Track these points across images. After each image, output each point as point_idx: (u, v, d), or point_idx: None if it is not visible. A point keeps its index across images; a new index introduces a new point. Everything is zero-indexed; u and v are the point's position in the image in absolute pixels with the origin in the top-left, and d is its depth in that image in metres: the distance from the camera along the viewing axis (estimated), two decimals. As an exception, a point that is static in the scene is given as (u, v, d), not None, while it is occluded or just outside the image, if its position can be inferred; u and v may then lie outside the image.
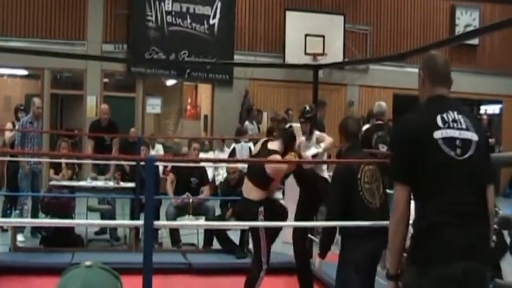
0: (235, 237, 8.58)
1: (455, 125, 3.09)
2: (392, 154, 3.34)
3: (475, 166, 3.06)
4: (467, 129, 3.10)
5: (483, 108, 19.49)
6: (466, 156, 3.04)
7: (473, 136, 3.09)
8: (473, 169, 3.06)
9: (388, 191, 5.02)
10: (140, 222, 4.54)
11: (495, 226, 5.42)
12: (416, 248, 3.05)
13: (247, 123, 14.64)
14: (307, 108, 6.78)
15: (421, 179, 3.04)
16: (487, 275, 3.10)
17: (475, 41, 17.49)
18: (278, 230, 6.49)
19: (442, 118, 3.10)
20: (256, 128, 14.73)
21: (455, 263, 2.93)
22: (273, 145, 6.27)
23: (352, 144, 5.29)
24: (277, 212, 6.32)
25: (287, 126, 6.62)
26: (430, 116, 3.13)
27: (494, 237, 5.57)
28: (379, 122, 9.16)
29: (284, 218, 6.43)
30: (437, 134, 3.05)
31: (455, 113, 3.14)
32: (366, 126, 10.29)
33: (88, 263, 2.02)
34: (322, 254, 5.19)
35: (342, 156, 5.68)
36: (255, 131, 14.39)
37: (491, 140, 9.35)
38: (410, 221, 3.16)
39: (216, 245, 8.66)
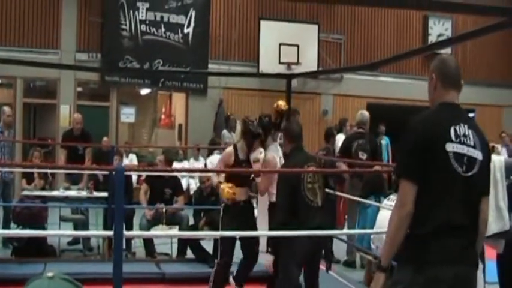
0: (208, 247, 8.56)
1: (465, 140, 3.16)
2: (403, 151, 3.29)
3: (475, 183, 3.17)
4: (474, 146, 3.18)
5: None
6: (470, 174, 3.14)
7: (478, 155, 3.19)
8: (474, 185, 3.17)
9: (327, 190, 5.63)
10: (110, 232, 4.51)
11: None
12: (412, 249, 3.12)
13: (225, 131, 14.63)
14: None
15: (427, 185, 3.10)
16: (475, 278, 3.20)
17: (447, 50, 17.63)
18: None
19: (455, 131, 3.15)
20: (234, 137, 14.68)
21: (448, 267, 3.05)
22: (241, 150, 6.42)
23: (295, 145, 5.68)
24: None
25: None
26: (444, 124, 3.17)
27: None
28: (360, 130, 9.19)
29: None
30: (449, 147, 3.12)
31: (466, 126, 3.20)
32: (339, 135, 10.36)
33: (50, 274, 2.01)
34: (274, 253, 5.55)
35: (287, 157, 5.97)
36: (232, 139, 14.38)
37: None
38: None
39: (189, 254, 8.63)
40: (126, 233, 4.59)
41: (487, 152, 3.32)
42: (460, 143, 3.14)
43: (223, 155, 6.60)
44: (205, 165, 12.73)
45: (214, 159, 12.06)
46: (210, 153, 12.84)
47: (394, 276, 3.18)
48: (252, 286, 7.17)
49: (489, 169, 3.42)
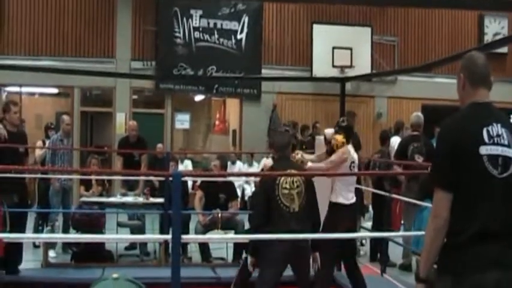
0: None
1: (499, 140, 3.07)
2: (435, 159, 3.24)
3: (510, 183, 3.07)
4: (509, 145, 3.09)
5: (513, 118, 19.27)
6: (505, 174, 3.05)
7: None
8: (510, 186, 3.07)
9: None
10: (168, 236, 4.56)
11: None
12: (451, 258, 3.05)
13: None
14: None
15: (462, 190, 3.03)
16: None
17: (504, 50, 17.30)
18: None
19: (488, 132, 3.07)
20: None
21: (487, 273, 2.95)
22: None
23: (280, 154, 5.98)
24: None
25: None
26: (475, 127, 3.09)
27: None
28: (416, 133, 9.09)
29: None
30: (483, 150, 3.03)
31: (499, 125, 3.11)
32: (395, 138, 10.25)
33: (115, 275, 2.06)
34: (253, 255, 5.86)
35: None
36: None
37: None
38: None
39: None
40: (183, 236, 4.63)
41: None
42: (493, 144, 3.05)
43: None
44: (262, 169, 12.76)
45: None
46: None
47: (435, 285, 3.11)
48: None
49: None
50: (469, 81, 3.23)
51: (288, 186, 5.62)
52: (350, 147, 6.74)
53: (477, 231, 2.99)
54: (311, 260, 5.96)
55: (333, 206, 6.61)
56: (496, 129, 3.09)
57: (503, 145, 3.07)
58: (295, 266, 5.75)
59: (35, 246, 9.67)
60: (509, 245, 3.05)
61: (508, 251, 3.03)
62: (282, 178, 5.66)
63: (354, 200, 6.71)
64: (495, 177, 3.03)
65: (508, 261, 3.01)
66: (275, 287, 5.65)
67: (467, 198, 3.03)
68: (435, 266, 3.16)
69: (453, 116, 3.24)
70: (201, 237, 5.27)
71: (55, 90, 17.14)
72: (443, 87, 16.26)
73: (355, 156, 6.79)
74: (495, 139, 3.06)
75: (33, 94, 17.59)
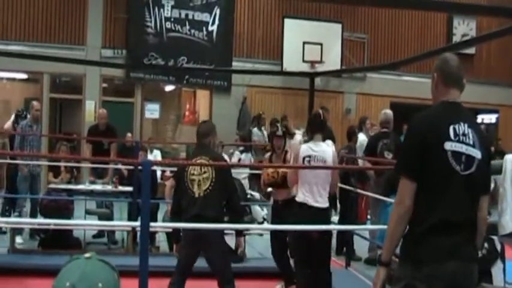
0: (231, 242, 8.64)
1: (464, 139, 3.20)
2: (403, 149, 3.43)
3: (473, 181, 3.22)
4: (473, 145, 3.22)
5: (480, 118, 19.59)
6: (467, 172, 3.19)
7: (477, 154, 3.23)
8: (472, 184, 3.21)
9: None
10: (137, 223, 4.62)
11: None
12: (412, 247, 3.19)
13: (255, 130, 14.69)
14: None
15: (426, 182, 3.17)
16: (474, 273, 3.24)
17: (471, 51, 17.61)
18: None
19: (454, 130, 3.20)
20: (265, 136, 14.58)
21: (446, 263, 3.11)
22: None
23: (199, 143, 6.12)
24: None
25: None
26: (443, 123, 3.22)
27: (486, 245, 5.67)
28: (385, 129, 9.24)
29: None
30: (448, 146, 3.17)
31: (466, 125, 3.24)
32: (360, 134, 10.39)
33: (87, 254, 2.11)
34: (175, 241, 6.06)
35: None
36: (262, 138, 14.41)
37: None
38: None
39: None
40: (152, 224, 4.69)
41: (487, 151, 3.37)
42: (458, 141, 3.19)
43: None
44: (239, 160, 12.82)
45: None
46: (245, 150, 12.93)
47: (397, 273, 3.26)
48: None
49: (489, 168, 3.46)
50: (442, 81, 3.36)
51: (195, 172, 5.75)
52: (309, 143, 6.49)
53: (438, 222, 3.13)
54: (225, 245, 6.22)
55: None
56: (463, 128, 3.23)
57: (468, 144, 3.21)
58: (203, 251, 5.84)
59: (2, 232, 9.63)
60: (468, 238, 3.22)
61: (467, 244, 3.20)
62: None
63: (307, 201, 6.26)
64: (458, 173, 3.17)
65: (466, 253, 3.18)
66: (187, 267, 5.85)
67: (431, 190, 3.17)
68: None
69: (423, 112, 3.38)
70: (170, 225, 5.32)
71: (24, 76, 16.95)
72: (412, 86, 16.52)
73: (311, 152, 6.36)
74: (460, 137, 3.20)
75: (1, 79, 17.37)
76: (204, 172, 5.75)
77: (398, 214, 3.21)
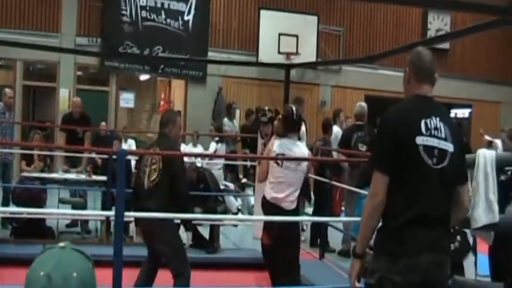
0: (205, 233, 8.68)
1: (436, 133, 3.22)
2: (375, 143, 3.48)
3: (446, 175, 3.24)
4: (445, 139, 3.25)
5: (453, 112, 19.77)
6: (440, 166, 3.21)
7: (449, 147, 3.26)
8: (445, 177, 3.24)
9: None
10: (111, 212, 4.61)
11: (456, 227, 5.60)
12: (387, 240, 3.23)
13: (226, 120, 14.68)
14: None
15: (399, 177, 3.18)
16: (447, 265, 3.29)
17: (446, 46, 17.74)
18: None
19: (426, 124, 3.22)
20: (236, 126, 14.61)
21: (421, 256, 3.14)
22: None
23: (159, 132, 6.06)
24: None
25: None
26: (414, 118, 3.24)
27: (458, 238, 5.74)
28: (359, 122, 9.31)
29: None
30: (419, 140, 3.18)
31: (438, 119, 3.26)
32: (334, 126, 10.45)
33: (62, 244, 2.11)
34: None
35: None
36: (233, 129, 14.41)
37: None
38: None
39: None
40: (126, 213, 4.68)
41: (460, 143, 3.40)
42: (430, 135, 3.21)
43: None
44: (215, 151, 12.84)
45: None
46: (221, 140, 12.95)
47: (371, 266, 3.28)
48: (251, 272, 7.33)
49: (463, 160, 3.50)
50: (414, 75, 3.39)
51: (147, 163, 5.76)
52: (277, 139, 6.33)
53: (412, 216, 3.16)
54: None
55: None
56: (435, 122, 3.25)
57: (440, 138, 3.23)
58: (150, 243, 5.90)
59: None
60: (443, 231, 3.28)
61: (440, 236, 3.25)
62: (145, 156, 5.87)
63: (273, 197, 6.13)
64: (430, 167, 3.19)
65: (439, 245, 3.23)
66: (151, 255, 5.92)
67: (405, 184, 3.20)
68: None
69: (395, 106, 3.41)
70: (145, 215, 5.29)
71: (-4, 63, 16.77)
72: (387, 79, 16.60)
73: (287, 151, 6.16)
74: (432, 131, 3.22)
75: (-27, 65, 17.18)
76: (153, 163, 5.72)
77: (372, 206, 3.23)
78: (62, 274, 1.98)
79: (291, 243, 6.16)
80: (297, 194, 6.14)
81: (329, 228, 8.77)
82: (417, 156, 3.18)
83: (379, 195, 3.19)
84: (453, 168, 3.28)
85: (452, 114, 19.51)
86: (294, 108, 6.40)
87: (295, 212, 6.21)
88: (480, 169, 4.77)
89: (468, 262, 5.78)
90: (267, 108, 8.36)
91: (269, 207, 6.14)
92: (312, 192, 10.22)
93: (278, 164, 6.10)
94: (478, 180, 4.76)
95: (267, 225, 6.23)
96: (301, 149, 6.26)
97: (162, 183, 5.68)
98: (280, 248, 6.09)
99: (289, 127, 6.28)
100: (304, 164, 6.16)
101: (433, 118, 3.25)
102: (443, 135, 3.25)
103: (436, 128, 3.24)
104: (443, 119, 3.30)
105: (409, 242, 3.16)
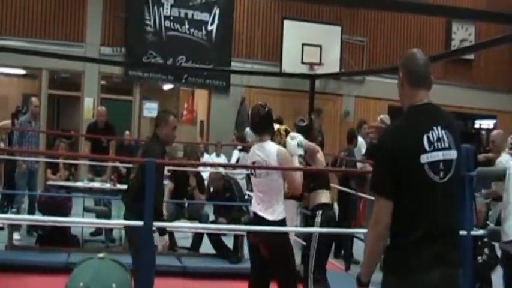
0: (229, 243, 8.67)
1: (439, 145, 3.06)
2: (376, 167, 3.22)
3: (453, 185, 3.13)
4: (449, 147, 3.10)
5: (477, 123, 19.65)
6: (447, 178, 3.08)
7: (453, 154, 3.11)
8: (452, 189, 3.13)
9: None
10: (140, 222, 4.61)
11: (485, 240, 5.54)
12: (396, 260, 3.10)
13: (248, 130, 14.66)
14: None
15: (403, 198, 3.04)
16: (459, 278, 3.18)
17: (470, 56, 17.64)
18: None
19: (428, 139, 3.04)
20: None
21: (431, 271, 3.03)
22: None
23: (153, 134, 5.96)
24: None
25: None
26: (415, 134, 3.07)
27: (486, 250, 5.68)
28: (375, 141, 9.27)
29: None
30: (424, 159, 3.02)
31: (439, 128, 3.09)
32: (358, 137, 10.39)
33: (100, 255, 2.11)
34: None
35: None
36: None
37: (481, 156, 9.50)
38: None
39: (207, 249, 8.74)
40: (155, 223, 4.68)
41: (460, 143, 3.20)
42: (434, 150, 3.04)
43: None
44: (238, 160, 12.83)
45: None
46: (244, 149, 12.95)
47: (381, 285, 3.16)
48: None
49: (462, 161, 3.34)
50: (408, 80, 3.17)
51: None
52: (256, 146, 5.55)
53: (421, 234, 3.03)
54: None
55: None
56: (437, 133, 3.07)
57: (443, 149, 3.07)
58: None
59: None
60: (452, 243, 3.14)
61: (451, 250, 3.11)
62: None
63: (256, 209, 5.42)
64: (437, 183, 3.05)
65: (450, 259, 3.10)
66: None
67: (411, 204, 3.05)
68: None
69: (392, 125, 3.26)
70: (173, 225, 5.24)
71: (22, 72, 16.93)
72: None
73: (256, 157, 5.42)
74: (435, 144, 3.05)
75: (-1, 75, 17.37)
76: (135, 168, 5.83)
77: (376, 235, 3.09)
78: (101, 285, 1.99)
79: (283, 255, 5.39)
80: (276, 202, 5.31)
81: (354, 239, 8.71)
82: (422, 174, 3.03)
83: (382, 222, 3.05)
84: (458, 173, 3.17)
85: (476, 125, 19.40)
86: (263, 106, 5.54)
87: (282, 222, 5.37)
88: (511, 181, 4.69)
89: (496, 275, 5.72)
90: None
91: (255, 220, 5.47)
92: (335, 203, 10.18)
93: (253, 173, 5.50)
94: (510, 192, 4.67)
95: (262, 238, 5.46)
96: (269, 149, 5.35)
97: (134, 187, 5.61)
98: (276, 260, 5.39)
99: (258, 127, 5.51)
100: (274, 162, 5.28)
101: (435, 129, 3.07)
102: (446, 145, 3.08)
103: (439, 139, 3.06)
104: (445, 126, 3.12)
105: (418, 258, 3.03)
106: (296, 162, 5.62)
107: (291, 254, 5.44)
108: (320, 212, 5.90)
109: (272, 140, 5.54)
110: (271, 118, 5.59)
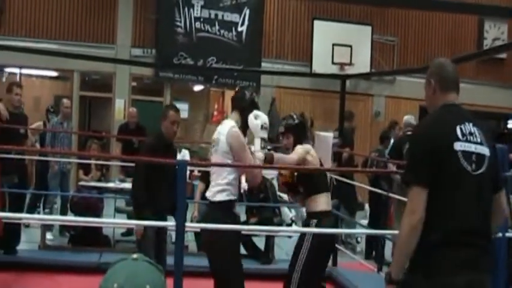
0: (260, 244, 8.66)
1: (471, 138, 3.15)
2: (410, 157, 3.28)
3: (484, 181, 3.14)
4: (481, 143, 3.17)
5: (510, 123, 19.36)
6: (479, 172, 3.11)
7: (486, 151, 3.17)
8: (483, 184, 3.14)
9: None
10: (172, 223, 4.63)
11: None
12: (424, 257, 3.06)
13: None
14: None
15: (438, 188, 3.06)
16: (488, 284, 3.13)
17: (502, 55, 17.41)
18: None
19: (461, 129, 3.15)
20: None
21: (459, 276, 3.00)
22: None
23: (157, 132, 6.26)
24: None
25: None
26: (449, 125, 3.18)
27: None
28: (410, 132, 9.19)
29: None
30: (458, 146, 3.10)
31: (471, 124, 3.20)
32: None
33: (135, 255, 2.11)
34: None
35: None
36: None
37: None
38: None
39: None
40: (187, 224, 4.69)
41: (494, 148, 3.28)
42: (467, 141, 3.13)
43: None
44: None
45: None
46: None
47: (406, 284, 3.10)
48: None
49: (498, 164, 3.36)
50: (440, 87, 3.35)
51: None
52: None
53: (451, 230, 3.04)
54: None
55: None
56: (469, 127, 3.18)
57: (476, 143, 3.14)
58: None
59: (26, 227, 9.68)
60: (483, 247, 3.11)
61: (482, 254, 3.09)
62: None
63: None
64: (469, 174, 3.09)
65: (480, 264, 3.07)
66: None
67: (444, 195, 3.07)
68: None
69: (426, 117, 3.38)
70: (206, 226, 5.12)
71: (54, 74, 17.10)
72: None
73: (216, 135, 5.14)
74: (468, 137, 3.14)
75: (31, 76, 17.50)
76: None
77: (411, 225, 3.05)
78: (135, 286, 1.98)
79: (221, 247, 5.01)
80: (222, 180, 4.93)
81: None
82: (456, 162, 3.08)
83: (418, 212, 3.03)
84: (491, 173, 3.18)
85: (510, 125, 19.12)
86: (248, 91, 5.51)
87: (226, 207, 4.99)
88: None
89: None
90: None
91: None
92: (367, 204, 10.14)
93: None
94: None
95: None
96: (222, 127, 5.10)
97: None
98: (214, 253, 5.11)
99: (236, 108, 5.34)
100: (222, 142, 4.94)
101: (466, 124, 3.19)
102: (478, 140, 3.17)
103: (470, 133, 3.16)
104: (475, 124, 3.23)
105: (447, 259, 3.02)
106: (258, 146, 5.20)
107: (228, 248, 5.00)
108: (314, 221, 5.34)
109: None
110: (254, 104, 5.49)
